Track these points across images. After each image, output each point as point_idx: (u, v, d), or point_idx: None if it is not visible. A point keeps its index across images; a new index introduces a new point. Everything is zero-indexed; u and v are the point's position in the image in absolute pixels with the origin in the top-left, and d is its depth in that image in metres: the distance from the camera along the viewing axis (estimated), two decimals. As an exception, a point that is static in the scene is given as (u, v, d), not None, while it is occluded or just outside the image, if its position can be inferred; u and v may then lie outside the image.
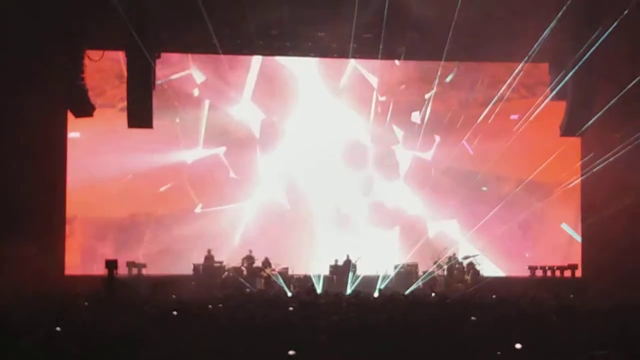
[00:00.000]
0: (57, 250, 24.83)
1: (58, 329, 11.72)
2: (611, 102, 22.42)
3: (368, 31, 24.11)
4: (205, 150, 27.47)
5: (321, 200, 27.71)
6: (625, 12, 21.21)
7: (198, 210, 27.29)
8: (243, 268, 25.13)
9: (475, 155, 27.72)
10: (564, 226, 27.55)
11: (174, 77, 27.12)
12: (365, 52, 25.81)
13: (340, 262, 24.99)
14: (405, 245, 27.01)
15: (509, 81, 25.33)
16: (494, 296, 19.79)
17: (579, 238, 27.00)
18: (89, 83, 24.16)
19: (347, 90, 27.98)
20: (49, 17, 22.27)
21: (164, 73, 26.40)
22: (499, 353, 10.32)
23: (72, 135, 25.92)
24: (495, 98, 26.11)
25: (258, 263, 25.18)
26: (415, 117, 27.92)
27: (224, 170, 27.49)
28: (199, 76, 27.50)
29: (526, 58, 23.18)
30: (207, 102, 27.56)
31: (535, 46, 22.40)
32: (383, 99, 28.07)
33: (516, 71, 24.63)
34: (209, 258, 25.38)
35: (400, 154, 28.17)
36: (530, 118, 25.62)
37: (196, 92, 27.60)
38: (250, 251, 25.51)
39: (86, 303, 16.67)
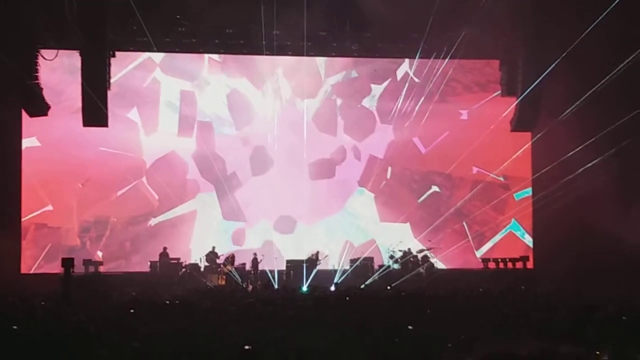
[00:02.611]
0: (13, 248, 24.68)
1: (15, 327, 11.78)
2: (574, 106, 22.81)
3: (321, 29, 24.34)
4: (162, 149, 27.13)
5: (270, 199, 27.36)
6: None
7: (152, 222, 26.97)
8: (200, 265, 25.18)
9: (427, 154, 27.82)
10: (514, 223, 27.83)
11: (132, 65, 26.73)
12: (319, 49, 26.04)
13: (311, 257, 25.09)
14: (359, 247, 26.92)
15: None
16: (447, 290, 20.13)
17: (529, 239, 27.45)
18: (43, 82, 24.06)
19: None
20: (1, 16, 22.15)
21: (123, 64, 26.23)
22: (450, 345, 10.56)
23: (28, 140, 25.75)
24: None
25: (221, 260, 25.22)
26: (366, 102, 27.92)
27: (184, 168, 27.25)
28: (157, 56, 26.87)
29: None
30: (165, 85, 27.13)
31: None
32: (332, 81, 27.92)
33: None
34: (163, 255, 25.41)
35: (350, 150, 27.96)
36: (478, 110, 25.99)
37: (156, 75, 27.07)
38: (214, 247, 25.56)
39: (42, 302, 16.68)
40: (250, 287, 23.27)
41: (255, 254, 25.24)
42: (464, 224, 27.69)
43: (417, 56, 25.71)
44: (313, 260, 24.98)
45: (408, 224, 27.56)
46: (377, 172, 27.72)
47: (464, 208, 27.50)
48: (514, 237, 27.80)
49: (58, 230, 26.31)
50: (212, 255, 25.26)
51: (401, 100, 26.88)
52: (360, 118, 27.85)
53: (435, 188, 27.99)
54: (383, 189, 27.86)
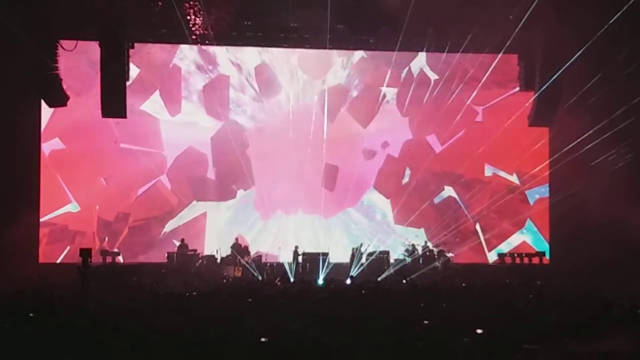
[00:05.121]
0: (31, 238, 24.93)
1: (31, 314, 11.91)
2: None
3: (341, 22, 24.30)
4: (182, 143, 27.03)
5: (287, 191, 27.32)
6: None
7: (170, 224, 26.89)
8: (217, 256, 25.26)
9: (442, 153, 27.55)
10: (529, 224, 27.63)
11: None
12: (337, 42, 25.95)
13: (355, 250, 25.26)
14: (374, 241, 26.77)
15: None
16: (463, 284, 20.17)
17: (543, 243, 27.27)
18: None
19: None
20: (22, 7, 22.25)
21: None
22: (465, 339, 10.56)
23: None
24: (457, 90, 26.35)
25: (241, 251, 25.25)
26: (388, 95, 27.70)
27: (203, 163, 27.14)
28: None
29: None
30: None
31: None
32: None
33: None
34: (182, 247, 25.51)
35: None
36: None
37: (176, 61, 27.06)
38: (237, 239, 25.63)
39: (60, 293, 16.80)
40: (266, 279, 23.35)
41: (296, 247, 25.25)
42: (478, 227, 27.47)
43: (435, 50, 25.70)
44: (358, 253, 25.09)
45: (422, 229, 27.28)
46: (392, 174, 27.61)
47: (479, 210, 27.21)
48: (526, 244, 27.44)
49: (77, 233, 26.28)
50: (234, 247, 25.27)
51: (417, 97, 26.87)
52: (366, 103, 27.52)
53: (450, 191, 27.66)
54: (398, 192, 27.53)
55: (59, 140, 26.17)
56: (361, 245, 25.46)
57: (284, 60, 27.38)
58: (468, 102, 26.94)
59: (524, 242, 27.42)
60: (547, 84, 23.92)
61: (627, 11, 20.76)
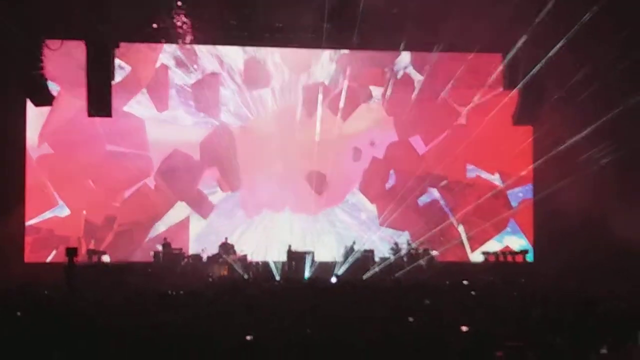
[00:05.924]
0: (16, 237, 24.89)
1: (18, 313, 11.93)
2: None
3: (326, 21, 24.33)
4: (168, 145, 26.80)
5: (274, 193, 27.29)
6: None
7: (157, 227, 26.66)
8: (202, 255, 25.27)
9: (426, 155, 27.39)
10: (512, 225, 27.66)
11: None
12: (320, 41, 25.93)
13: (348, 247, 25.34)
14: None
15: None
16: (447, 282, 20.27)
17: (529, 246, 27.13)
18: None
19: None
20: (5, 6, 22.20)
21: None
22: (450, 336, 10.64)
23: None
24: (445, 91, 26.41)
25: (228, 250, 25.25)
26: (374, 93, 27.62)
27: (189, 164, 26.97)
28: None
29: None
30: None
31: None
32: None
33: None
34: (165, 246, 25.47)
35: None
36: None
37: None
38: (226, 239, 25.60)
39: (46, 292, 16.83)
40: (252, 277, 23.40)
41: (290, 246, 25.21)
42: (462, 229, 27.42)
43: (420, 50, 25.79)
44: (350, 251, 25.15)
45: (406, 232, 27.16)
46: (377, 177, 27.56)
47: (462, 212, 27.21)
48: (510, 245, 27.32)
49: (62, 239, 25.84)
50: (221, 246, 25.28)
51: (402, 97, 26.91)
52: (351, 101, 27.27)
53: (434, 193, 27.61)
54: (382, 196, 27.47)
55: (47, 145, 26.02)
56: (354, 243, 25.51)
57: (270, 56, 27.28)
58: (452, 102, 27.09)
59: (507, 244, 27.34)
60: (526, 77, 24.07)
61: (613, 7, 20.87)
